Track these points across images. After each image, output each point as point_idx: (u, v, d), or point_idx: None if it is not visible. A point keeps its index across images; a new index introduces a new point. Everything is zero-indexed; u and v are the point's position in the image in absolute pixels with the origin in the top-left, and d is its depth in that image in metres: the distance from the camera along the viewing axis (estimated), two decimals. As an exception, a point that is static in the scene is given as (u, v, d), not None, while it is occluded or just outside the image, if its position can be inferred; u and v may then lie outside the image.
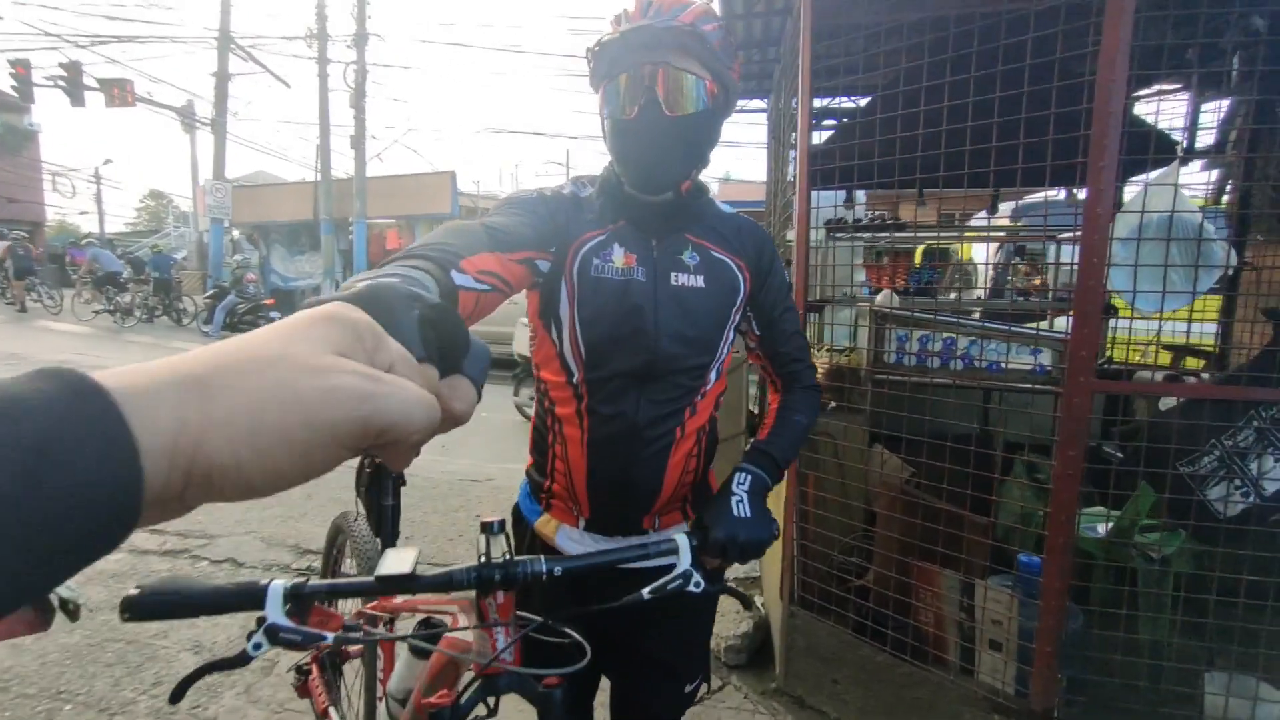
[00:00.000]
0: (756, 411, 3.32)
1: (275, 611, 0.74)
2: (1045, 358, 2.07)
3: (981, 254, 7.46)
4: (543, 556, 0.82)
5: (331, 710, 1.53)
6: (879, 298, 2.77)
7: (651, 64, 0.88)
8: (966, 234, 3.68)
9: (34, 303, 11.99)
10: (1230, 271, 1.70)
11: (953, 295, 4.85)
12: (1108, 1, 1.39)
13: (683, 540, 0.85)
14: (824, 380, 2.31)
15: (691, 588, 0.82)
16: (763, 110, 4.12)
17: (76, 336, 10.18)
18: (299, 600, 0.75)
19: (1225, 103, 2.66)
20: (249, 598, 0.75)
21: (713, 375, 1.04)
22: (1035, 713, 1.59)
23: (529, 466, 1.14)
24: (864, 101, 3.60)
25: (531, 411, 1.16)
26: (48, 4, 17.79)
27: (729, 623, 2.41)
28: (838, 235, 3.23)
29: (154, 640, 2.35)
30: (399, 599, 1.20)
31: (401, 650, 1.31)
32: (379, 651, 1.39)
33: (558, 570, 0.80)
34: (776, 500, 2.30)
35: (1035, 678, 1.58)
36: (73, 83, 13.23)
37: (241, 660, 0.76)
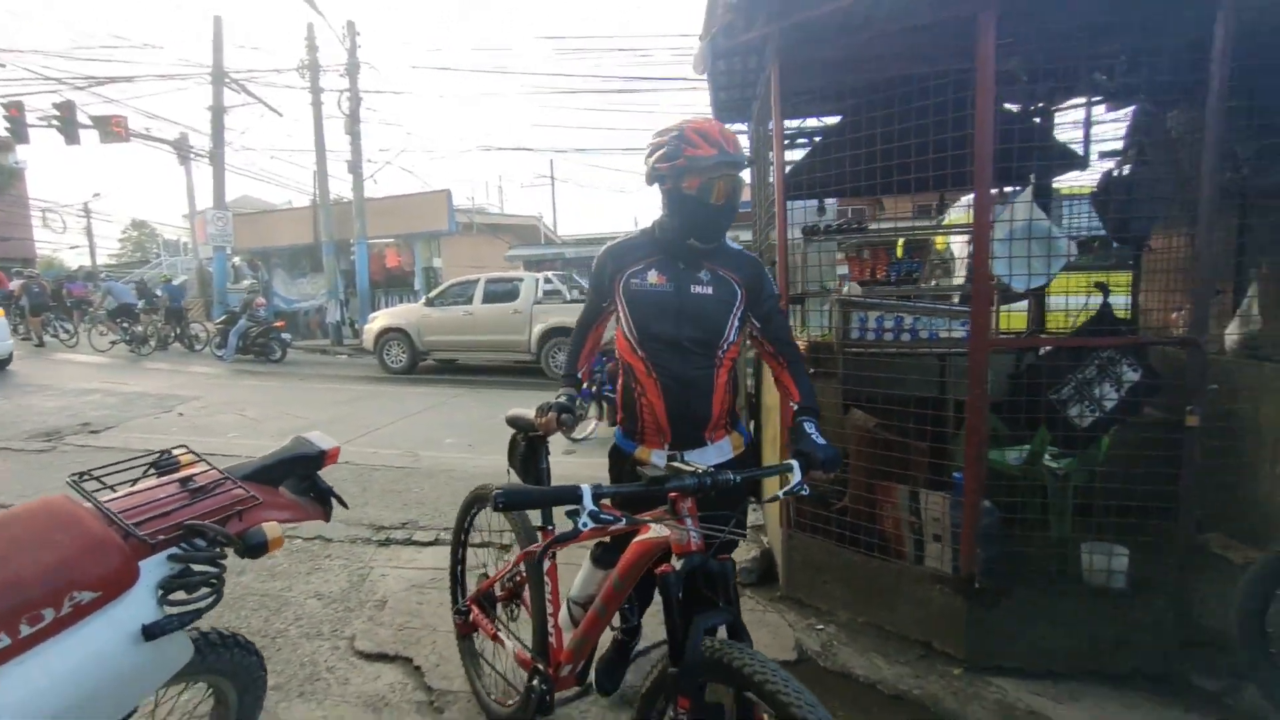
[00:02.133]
0: (754, 391, 3.96)
1: (589, 503, 1.13)
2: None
3: (958, 246, 8.24)
4: (730, 470, 1.25)
5: (500, 633, 1.93)
6: (844, 289, 3.40)
7: (729, 176, 1.53)
8: (902, 231, 4.39)
9: (50, 337, 12.42)
10: (1071, 259, 2.34)
11: (933, 282, 5.51)
12: (977, 75, 2.03)
13: (796, 464, 1.38)
14: (805, 353, 2.94)
15: (802, 490, 1.37)
16: (744, 133, 4.75)
17: (100, 366, 10.65)
18: (598, 497, 1.15)
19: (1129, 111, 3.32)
20: (570, 495, 1.14)
21: (725, 347, 1.64)
22: (963, 579, 2.22)
23: (619, 424, 1.80)
24: (834, 120, 4.25)
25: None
26: (41, 49, 18.11)
27: (740, 552, 3.02)
28: (812, 239, 3.87)
29: (283, 592, 2.94)
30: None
31: (585, 562, 1.83)
32: (545, 577, 1.73)
33: (738, 479, 1.25)
34: (773, 449, 2.92)
35: (961, 554, 2.21)
36: (67, 121, 13.62)
37: (574, 534, 1.15)
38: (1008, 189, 3.47)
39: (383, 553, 3.40)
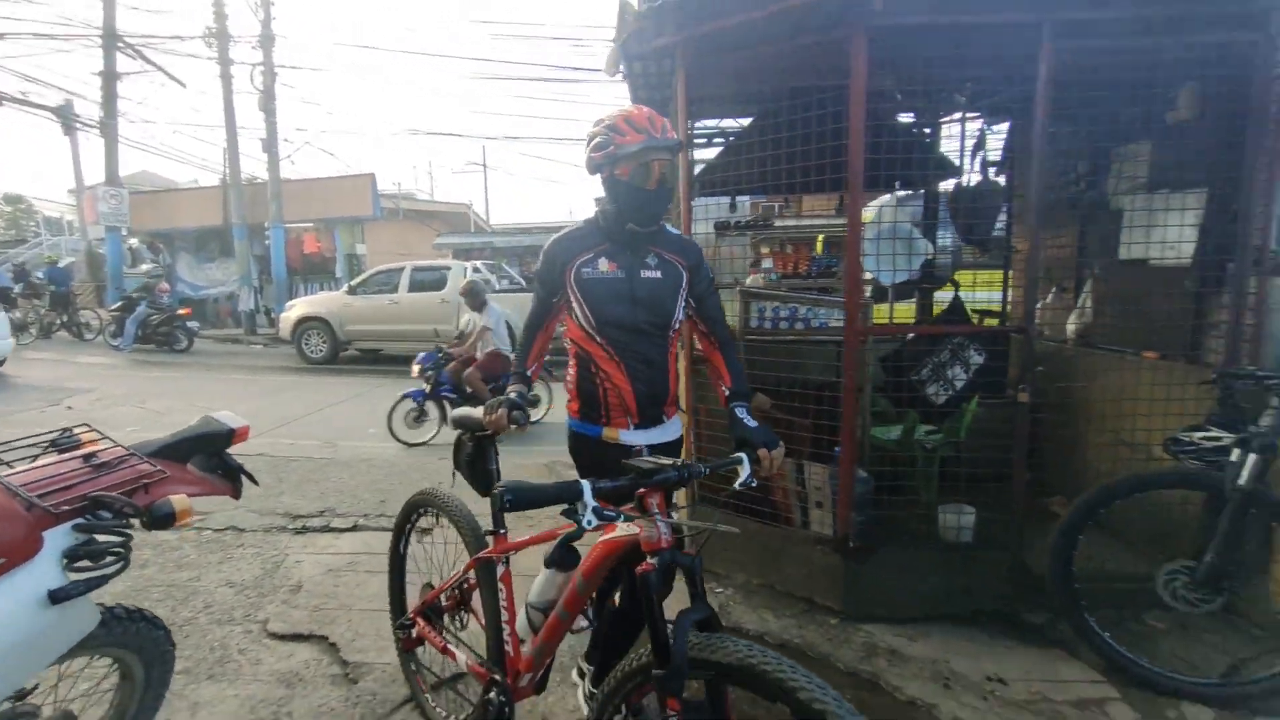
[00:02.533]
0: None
1: (590, 499, 1.11)
2: (854, 318, 3.00)
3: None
4: (699, 462, 1.29)
5: (449, 646, 1.82)
6: (747, 280, 3.66)
7: (660, 160, 1.57)
8: (812, 229, 4.69)
9: (-92, 323, 11.11)
10: (931, 256, 2.68)
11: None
12: (850, 90, 2.29)
13: (745, 457, 1.39)
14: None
15: (751, 484, 1.42)
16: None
17: (-29, 356, 9.64)
18: (598, 494, 1.14)
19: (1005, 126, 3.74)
20: (572, 492, 1.12)
21: (675, 326, 1.71)
22: (839, 539, 2.51)
23: (575, 411, 1.76)
24: (745, 122, 4.51)
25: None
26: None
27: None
28: (724, 234, 4.12)
29: (191, 582, 2.90)
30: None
31: (543, 567, 1.75)
32: (499, 583, 1.67)
33: (706, 470, 1.29)
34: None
35: (838, 518, 2.50)
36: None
37: (579, 534, 1.16)
38: (901, 193, 3.84)
39: (298, 540, 3.39)
